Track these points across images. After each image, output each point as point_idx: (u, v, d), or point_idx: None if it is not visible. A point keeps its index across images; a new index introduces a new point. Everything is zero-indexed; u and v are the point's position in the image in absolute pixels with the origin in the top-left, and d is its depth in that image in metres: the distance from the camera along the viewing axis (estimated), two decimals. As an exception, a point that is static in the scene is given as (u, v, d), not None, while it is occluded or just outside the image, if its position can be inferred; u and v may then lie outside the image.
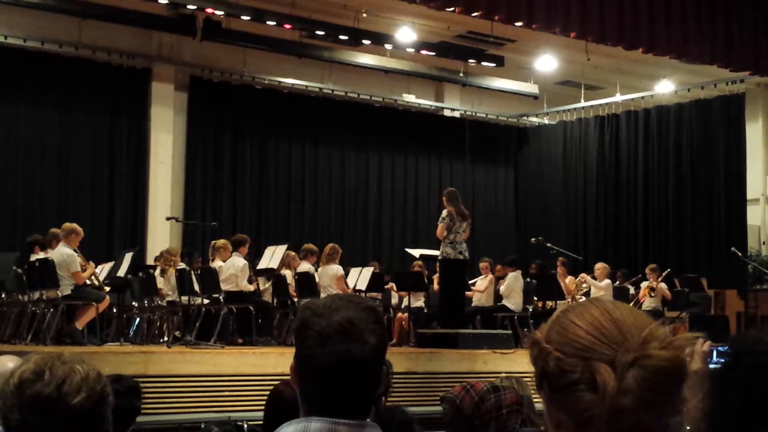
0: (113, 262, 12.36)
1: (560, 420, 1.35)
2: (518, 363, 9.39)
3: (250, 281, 12.00)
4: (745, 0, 13.75)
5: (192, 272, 11.69)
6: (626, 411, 1.28)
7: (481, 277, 14.04)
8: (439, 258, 11.91)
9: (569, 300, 13.23)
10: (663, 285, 14.30)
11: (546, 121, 20.86)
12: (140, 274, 12.81)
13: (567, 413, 1.33)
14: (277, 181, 18.37)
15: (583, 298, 12.75)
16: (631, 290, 14.73)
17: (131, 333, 12.77)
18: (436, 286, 13.26)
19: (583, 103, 19.49)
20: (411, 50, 16.76)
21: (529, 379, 1.53)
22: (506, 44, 17.14)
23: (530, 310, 13.24)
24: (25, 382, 1.96)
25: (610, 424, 1.28)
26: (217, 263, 11.88)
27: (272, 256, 12.37)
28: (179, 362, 8.68)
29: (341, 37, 16.24)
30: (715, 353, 2.58)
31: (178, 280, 11.61)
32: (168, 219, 14.79)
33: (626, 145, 19.12)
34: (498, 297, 13.76)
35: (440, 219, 11.78)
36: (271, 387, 3.57)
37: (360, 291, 12.50)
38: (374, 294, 13.12)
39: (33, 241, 12.04)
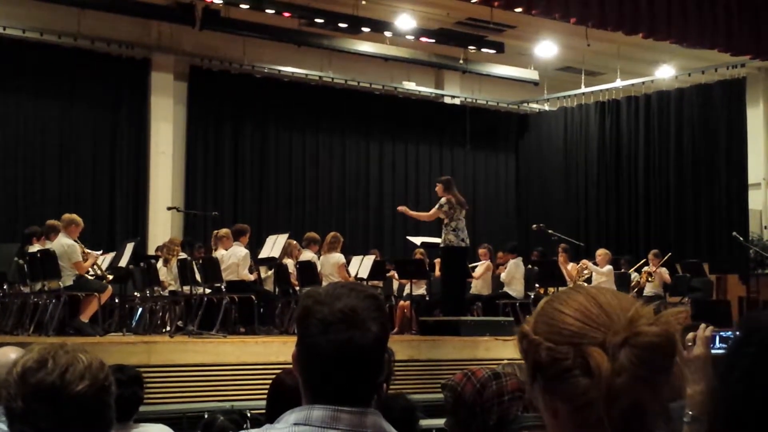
0: (115, 253, 12.36)
1: (557, 409, 1.35)
2: (520, 350, 9.38)
3: (250, 271, 12.00)
4: (745, -16, 13.73)
5: (193, 262, 11.68)
6: (623, 391, 1.29)
7: (479, 263, 14.01)
8: (442, 245, 11.88)
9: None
10: (663, 269, 14.29)
11: (546, 107, 20.83)
12: (142, 264, 12.81)
13: (564, 401, 1.34)
14: (277, 169, 18.36)
15: (586, 285, 12.73)
16: (634, 276, 14.73)
17: (133, 323, 12.78)
18: (437, 273, 13.25)
19: (583, 89, 19.43)
20: (410, 37, 16.73)
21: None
22: (506, 30, 17.11)
23: (532, 296, 13.24)
24: (28, 370, 1.96)
25: (608, 406, 1.29)
26: (218, 253, 11.87)
27: (274, 245, 12.37)
28: (181, 352, 8.69)
29: (340, 24, 16.20)
30: (717, 338, 2.59)
31: (179, 269, 11.60)
32: (169, 209, 14.79)
33: (627, 130, 19.09)
34: (497, 284, 13.74)
35: (438, 205, 11.73)
36: (274, 375, 3.57)
37: (362, 279, 12.51)
38: (376, 282, 13.12)
39: (32, 232, 12.02)
